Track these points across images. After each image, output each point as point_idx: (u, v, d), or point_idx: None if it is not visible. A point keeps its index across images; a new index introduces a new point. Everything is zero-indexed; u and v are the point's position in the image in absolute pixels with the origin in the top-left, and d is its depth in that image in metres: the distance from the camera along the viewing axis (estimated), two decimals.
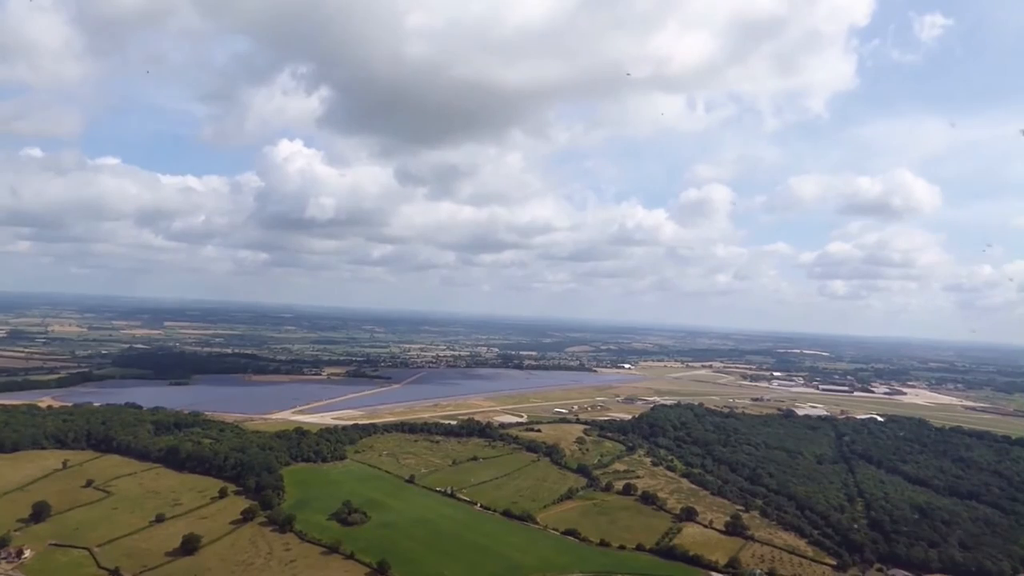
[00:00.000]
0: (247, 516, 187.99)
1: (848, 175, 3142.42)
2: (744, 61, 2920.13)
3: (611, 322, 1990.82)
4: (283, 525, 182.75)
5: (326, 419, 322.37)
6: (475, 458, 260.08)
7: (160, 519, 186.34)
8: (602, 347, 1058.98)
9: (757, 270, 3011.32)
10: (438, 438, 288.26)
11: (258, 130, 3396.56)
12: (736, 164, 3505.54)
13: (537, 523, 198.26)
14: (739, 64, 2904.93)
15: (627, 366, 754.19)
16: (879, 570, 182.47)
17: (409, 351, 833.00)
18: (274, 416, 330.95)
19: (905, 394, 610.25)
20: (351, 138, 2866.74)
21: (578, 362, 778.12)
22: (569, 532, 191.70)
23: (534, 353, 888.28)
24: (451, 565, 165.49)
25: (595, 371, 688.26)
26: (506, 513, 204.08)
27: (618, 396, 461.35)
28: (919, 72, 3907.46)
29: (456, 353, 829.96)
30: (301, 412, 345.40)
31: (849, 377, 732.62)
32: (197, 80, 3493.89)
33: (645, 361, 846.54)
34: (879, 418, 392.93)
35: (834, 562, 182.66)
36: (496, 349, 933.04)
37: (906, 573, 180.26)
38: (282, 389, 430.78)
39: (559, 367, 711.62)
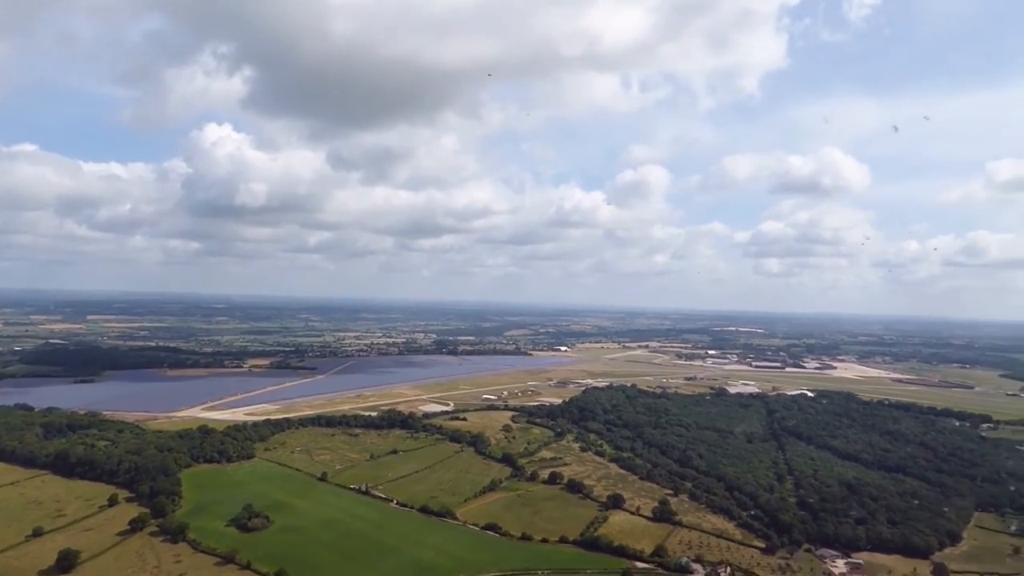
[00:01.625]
0: (136, 526, 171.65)
1: (780, 154, 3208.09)
2: (677, 38, 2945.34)
3: (551, 305, 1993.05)
4: (175, 534, 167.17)
5: (238, 415, 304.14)
6: (395, 451, 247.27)
7: (38, 533, 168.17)
8: (541, 330, 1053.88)
9: (694, 250, 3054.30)
10: (357, 431, 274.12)
11: (181, 113, 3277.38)
12: (672, 145, 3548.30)
13: (457, 518, 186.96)
14: (672, 41, 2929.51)
15: (563, 349, 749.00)
16: (807, 550, 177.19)
17: (344, 339, 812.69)
18: (181, 414, 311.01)
19: (835, 368, 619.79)
20: (278, 120, 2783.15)
21: (514, 346, 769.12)
22: (490, 527, 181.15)
23: (472, 338, 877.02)
24: (358, 570, 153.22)
25: (531, 355, 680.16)
26: (424, 509, 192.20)
27: (551, 380, 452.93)
28: (848, 52, 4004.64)
29: (392, 340, 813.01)
30: (212, 408, 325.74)
31: (782, 353, 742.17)
32: (112, 60, 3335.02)
33: (582, 343, 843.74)
34: (809, 393, 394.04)
35: (763, 545, 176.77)
36: (434, 335, 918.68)
37: (834, 552, 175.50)
38: (198, 384, 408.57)
39: (495, 352, 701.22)
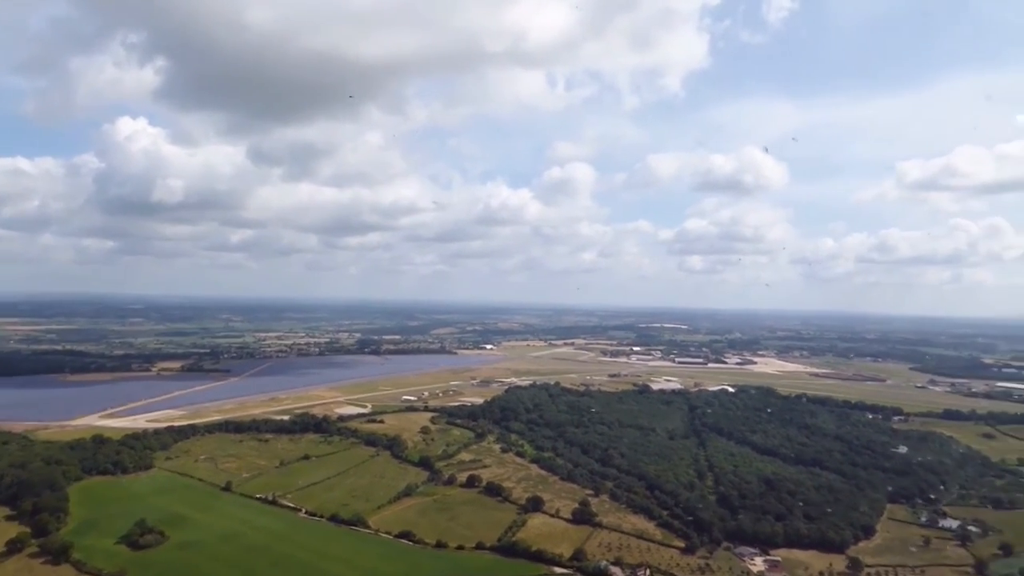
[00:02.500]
0: (13, 547, 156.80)
1: (703, 153, 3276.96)
2: (601, 36, 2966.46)
3: (480, 303, 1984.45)
4: (58, 554, 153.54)
5: (139, 422, 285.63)
6: (307, 457, 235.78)
7: None
8: (468, 328, 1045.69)
9: (620, 247, 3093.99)
10: (268, 436, 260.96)
11: (91, 105, 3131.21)
12: (597, 143, 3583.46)
13: (369, 527, 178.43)
14: (596, 39, 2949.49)
15: (489, 347, 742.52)
16: (727, 549, 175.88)
17: (265, 340, 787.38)
18: (76, 422, 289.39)
19: (756, 363, 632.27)
20: (194, 114, 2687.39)
21: (440, 345, 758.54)
22: (403, 535, 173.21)
23: (398, 337, 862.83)
24: None
25: (456, 353, 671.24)
26: (334, 518, 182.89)
27: (474, 379, 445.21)
28: (767, 53, 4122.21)
29: (314, 340, 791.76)
30: (112, 416, 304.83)
31: (704, 349, 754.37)
32: (14, 47, 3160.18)
33: (509, 341, 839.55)
34: (730, 389, 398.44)
35: (682, 544, 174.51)
36: (359, 334, 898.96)
37: (753, 550, 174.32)
38: (99, 390, 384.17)
39: (419, 351, 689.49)
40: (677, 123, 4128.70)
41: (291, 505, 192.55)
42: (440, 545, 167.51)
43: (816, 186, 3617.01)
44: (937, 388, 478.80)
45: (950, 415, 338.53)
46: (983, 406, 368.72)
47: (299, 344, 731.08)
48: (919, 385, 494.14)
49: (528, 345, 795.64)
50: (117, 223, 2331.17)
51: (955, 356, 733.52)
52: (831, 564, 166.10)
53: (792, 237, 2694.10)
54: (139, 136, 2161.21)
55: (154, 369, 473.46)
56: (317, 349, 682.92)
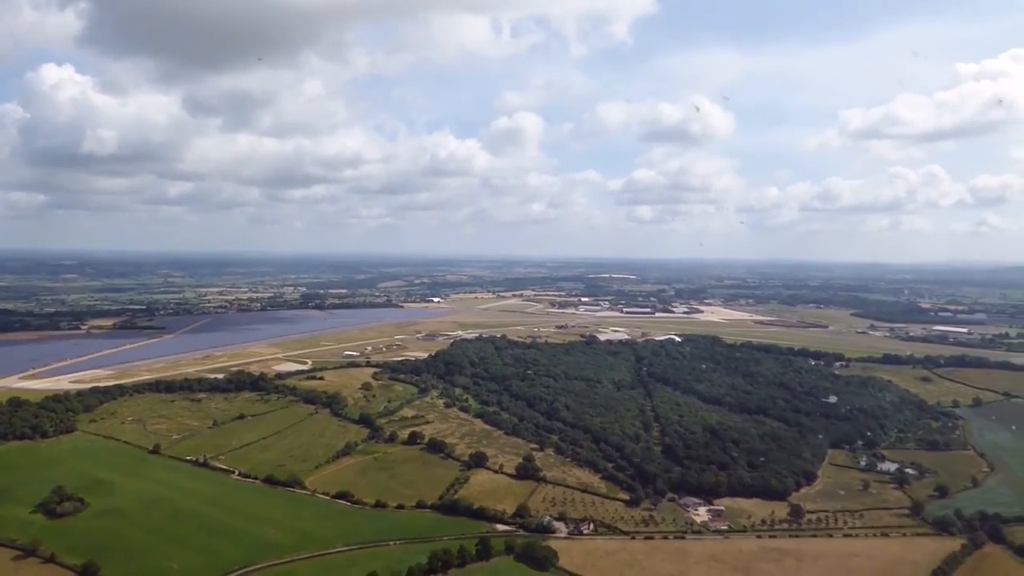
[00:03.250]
0: None
1: (651, 102, 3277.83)
2: None
3: (429, 255, 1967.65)
4: None
5: (62, 383, 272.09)
6: (242, 416, 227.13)
7: None
8: (416, 281, 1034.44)
9: (569, 198, 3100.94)
10: (200, 396, 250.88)
11: (10, 52, 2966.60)
12: (545, 91, 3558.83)
13: (305, 488, 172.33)
14: None
15: (436, 300, 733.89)
16: (671, 500, 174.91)
17: (206, 296, 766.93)
18: None
19: (702, 312, 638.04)
20: (122, 60, 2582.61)
21: (386, 298, 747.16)
22: (341, 495, 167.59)
23: (344, 291, 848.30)
24: (185, 555, 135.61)
25: (402, 307, 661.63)
26: (269, 480, 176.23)
27: (419, 333, 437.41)
28: (714, 2, 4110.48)
29: (256, 296, 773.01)
30: (33, 377, 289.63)
31: (652, 299, 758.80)
32: None
33: (457, 293, 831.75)
34: (677, 338, 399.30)
35: (627, 497, 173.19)
36: (304, 289, 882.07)
37: (697, 500, 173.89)
38: (21, 349, 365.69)
39: (364, 304, 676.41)
40: (626, 72, 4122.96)
41: (224, 467, 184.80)
42: (379, 505, 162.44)
43: (762, 135, 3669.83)
44: (877, 333, 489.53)
45: (889, 359, 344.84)
46: (920, 350, 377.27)
47: (240, 300, 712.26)
48: (860, 331, 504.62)
49: (476, 297, 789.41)
50: (46, 176, 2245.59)
51: (894, 302, 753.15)
52: (773, 512, 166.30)
53: (738, 186, 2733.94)
54: (65, 84, 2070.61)
55: (84, 327, 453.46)
56: (259, 304, 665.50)
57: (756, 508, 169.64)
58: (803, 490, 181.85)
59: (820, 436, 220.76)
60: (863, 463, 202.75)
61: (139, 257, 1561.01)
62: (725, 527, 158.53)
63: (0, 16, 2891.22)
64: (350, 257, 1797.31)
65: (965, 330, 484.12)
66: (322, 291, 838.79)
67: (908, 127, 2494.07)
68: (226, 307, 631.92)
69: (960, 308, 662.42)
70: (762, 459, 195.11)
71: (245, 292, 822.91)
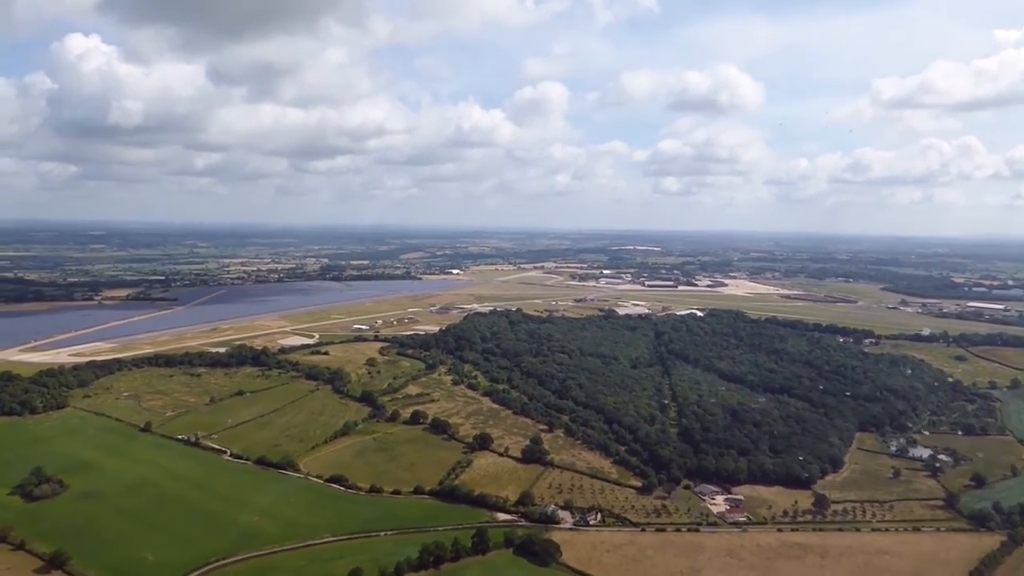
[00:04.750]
0: None
1: (678, 71, 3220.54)
2: None
3: (454, 227, 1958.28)
4: None
5: (61, 356, 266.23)
6: (240, 392, 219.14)
7: None
8: (438, 253, 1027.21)
9: (594, 169, 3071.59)
10: (201, 371, 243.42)
11: (34, 21, 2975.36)
12: (569, 60, 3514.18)
13: (299, 470, 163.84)
14: None
15: (456, 272, 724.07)
16: (686, 487, 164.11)
17: (228, 267, 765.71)
18: None
19: (727, 285, 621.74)
20: (143, 28, 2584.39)
21: (405, 270, 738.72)
22: (335, 479, 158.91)
23: (366, 262, 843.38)
24: (161, 544, 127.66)
25: (420, 279, 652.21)
26: (261, 461, 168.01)
27: (434, 306, 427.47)
28: None
29: (278, 266, 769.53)
30: (34, 349, 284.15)
31: (675, 272, 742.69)
32: None
33: (478, 265, 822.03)
34: (699, 313, 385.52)
35: (639, 484, 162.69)
36: (326, 260, 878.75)
37: (714, 488, 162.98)
38: (29, 320, 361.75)
39: (382, 276, 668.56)
40: (652, 41, 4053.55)
41: (216, 447, 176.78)
42: (374, 490, 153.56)
43: (791, 106, 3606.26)
44: (908, 309, 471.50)
45: (921, 337, 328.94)
46: (954, 327, 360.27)
47: (260, 271, 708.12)
48: (890, 306, 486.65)
49: (497, 269, 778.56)
50: (75, 147, 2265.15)
51: (925, 276, 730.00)
52: (796, 502, 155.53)
53: (767, 158, 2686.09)
54: (91, 55, 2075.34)
55: (97, 298, 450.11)
56: (276, 275, 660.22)
57: (777, 497, 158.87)
58: (828, 478, 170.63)
59: (848, 418, 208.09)
60: (894, 448, 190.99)
61: (167, 228, 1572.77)
62: (743, 518, 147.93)
63: None
64: (375, 228, 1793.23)
65: (1001, 307, 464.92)
66: (343, 262, 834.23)
67: (944, 96, 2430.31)
68: (243, 278, 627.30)
69: (995, 284, 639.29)
70: (785, 444, 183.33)
71: (267, 263, 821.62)
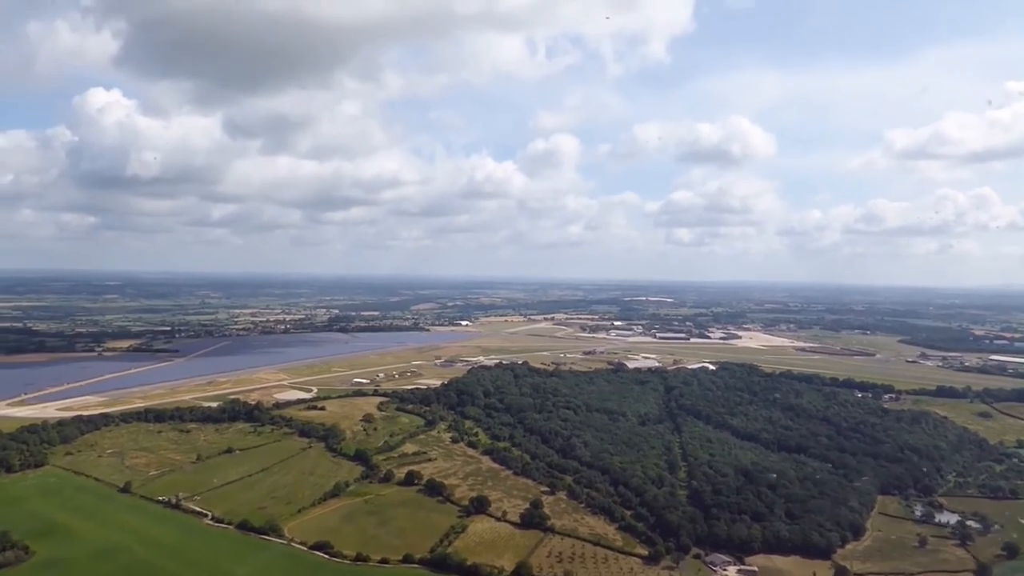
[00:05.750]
0: None
1: (689, 123, 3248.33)
2: None
3: (467, 277, 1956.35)
4: None
5: (49, 410, 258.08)
6: (230, 450, 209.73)
7: None
8: (449, 304, 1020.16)
9: (607, 220, 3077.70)
10: (191, 426, 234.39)
11: (54, 74, 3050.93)
12: (581, 112, 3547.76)
13: (283, 536, 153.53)
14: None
15: (464, 323, 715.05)
16: (696, 557, 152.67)
17: (238, 317, 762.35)
18: None
19: (740, 338, 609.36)
20: (160, 82, 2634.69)
21: (413, 321, 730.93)
22: (320, 545, 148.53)
23: (376, 313, 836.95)
24: None
25: (428, 330, 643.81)
26: (243, 525, 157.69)
27: (439, 358, 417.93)
28: (753, 20, 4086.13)
29: (286, 317, 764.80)
30: (22, 403, 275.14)
31: (688, 323, 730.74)
32: None
33: (488, 317, 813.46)
34: (711, 367, 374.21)
35: (645, 552, 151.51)
36: (336, 311, 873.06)
37: (726, 558, 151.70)
38: (24, 372, 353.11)
39: (390, 328, 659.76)
40: (663, 93, 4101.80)
41: (198, 509, 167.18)
42: (360, 559, 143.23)
43: (803, 157, 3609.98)
44: (928, 362, 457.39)
45: (943, 392, 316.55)
46: (977, 382, 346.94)
47: (268, 321, 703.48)
48: (910, 359, 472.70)
49: (506, 321, 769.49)
50: (94, 198, 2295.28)
51: (945, 328, 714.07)
52: (815, 573, 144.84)
53: (779, 208, 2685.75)
54: (112, 108, 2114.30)
55: (98, 350, 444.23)
56: (283, 326, 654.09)
57: (795, 568, 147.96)
58: (849, 546, 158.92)
59: (868, 480, 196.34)
60: (919, 513, 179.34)
61: (182, 278, 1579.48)
62: None
63: (43, 39, 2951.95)
64: (388, 279, 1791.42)
65: None
66: (354, 313, 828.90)
67: (957, 147, 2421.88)
68: (249, 329, 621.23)
69: (1017, 336, 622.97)
70: (802, 508, 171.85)
71: (277, 314, 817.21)
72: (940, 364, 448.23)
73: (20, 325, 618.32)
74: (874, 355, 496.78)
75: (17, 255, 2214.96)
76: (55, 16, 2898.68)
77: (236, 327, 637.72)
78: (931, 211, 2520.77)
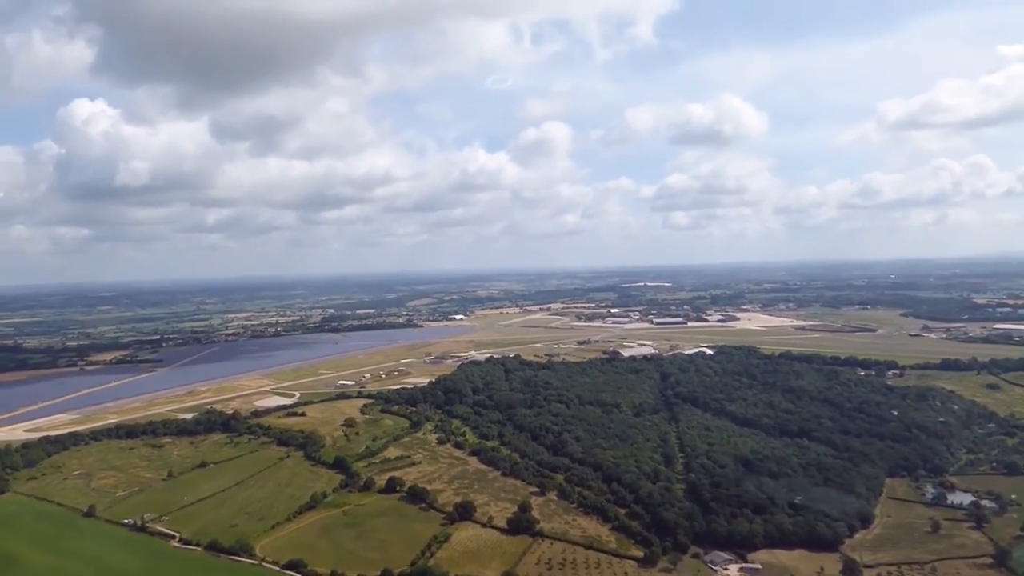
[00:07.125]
0: None
1: (680, 104, 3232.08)
2: None
3: (465, 271, 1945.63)
4: None
5: (16, 432, 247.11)
6: (204, 464, 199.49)
7: None
8: (446, 298, 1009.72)
9: (602, 207, 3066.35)
10: (164, 441, 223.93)
11: (34, 87, 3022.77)
12: (570, 98, 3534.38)
13: (254, 556, 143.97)
14: None
15: (459, 317, 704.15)
16: (695, 556, 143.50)
17: (232, 321, 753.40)
18: None
19: (738, 319, 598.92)
20: (139, 87, 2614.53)
21: (407, 318, 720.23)
22: (293, 564, 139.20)
23: (372, 311, 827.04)
24: None
25: (421, 326, 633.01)
26: (212, 546, 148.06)
27: (429, 355, 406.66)
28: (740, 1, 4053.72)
29: (279, 319, 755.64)
30: None
31: (685, 307, 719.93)
32: None
33: (484, 309, 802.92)
34: (708, 351, 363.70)
35: (641, 553, 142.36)
36: (332, 310, 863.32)
37: (727, 556, 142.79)
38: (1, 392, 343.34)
39: (382, 326, 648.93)
40: (652, 75, 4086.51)
41: (165, 531, 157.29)
42: None
43: (797, 134, 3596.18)
44: (932, 335, 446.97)
45: (949, 365, 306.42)
46: (983, 352, 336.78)
47: (259, 324, 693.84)
48: (912, 333, 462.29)
49: (501, 313, 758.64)
50: (86, 210, 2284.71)
51: (946, 299, 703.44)
52: (822, 568, 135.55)
53: (774, 187, 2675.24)
54: (96, 119, 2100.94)
55: (80, 364, 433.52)
56: (273, 329, 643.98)
57: (801, 563, 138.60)
58: (858, 536, 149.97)
59: (875, 463, 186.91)
60: (929, 495, 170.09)
61: (179, 285, 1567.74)
62: None
63: (17, 53, 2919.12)
64: (385, 275, 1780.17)
65: None
66: (349, 312, 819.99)
67: (951, 114, 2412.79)
68: (238, 334, 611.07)
69: (1020, 302, 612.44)
70: (806, 498, 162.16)
71: (272, 316, 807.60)
72: (944, 336, 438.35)
73: (10, 343, 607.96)
74: (876, 330, 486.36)
75: (12, 272, 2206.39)
76: (28, 26, 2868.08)
77: (226, 332, 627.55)
78: (928, 182, 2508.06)
